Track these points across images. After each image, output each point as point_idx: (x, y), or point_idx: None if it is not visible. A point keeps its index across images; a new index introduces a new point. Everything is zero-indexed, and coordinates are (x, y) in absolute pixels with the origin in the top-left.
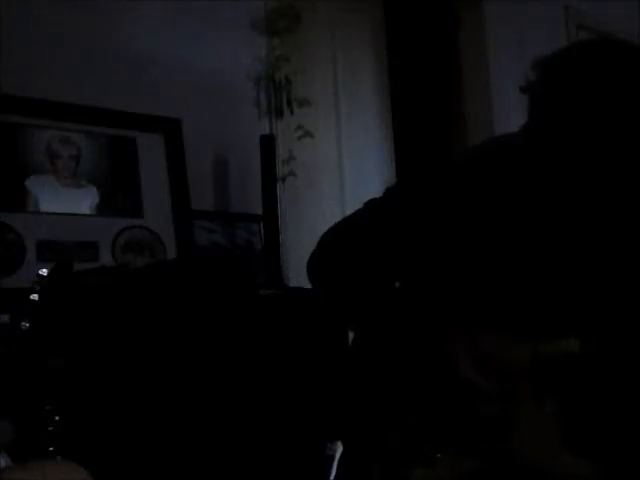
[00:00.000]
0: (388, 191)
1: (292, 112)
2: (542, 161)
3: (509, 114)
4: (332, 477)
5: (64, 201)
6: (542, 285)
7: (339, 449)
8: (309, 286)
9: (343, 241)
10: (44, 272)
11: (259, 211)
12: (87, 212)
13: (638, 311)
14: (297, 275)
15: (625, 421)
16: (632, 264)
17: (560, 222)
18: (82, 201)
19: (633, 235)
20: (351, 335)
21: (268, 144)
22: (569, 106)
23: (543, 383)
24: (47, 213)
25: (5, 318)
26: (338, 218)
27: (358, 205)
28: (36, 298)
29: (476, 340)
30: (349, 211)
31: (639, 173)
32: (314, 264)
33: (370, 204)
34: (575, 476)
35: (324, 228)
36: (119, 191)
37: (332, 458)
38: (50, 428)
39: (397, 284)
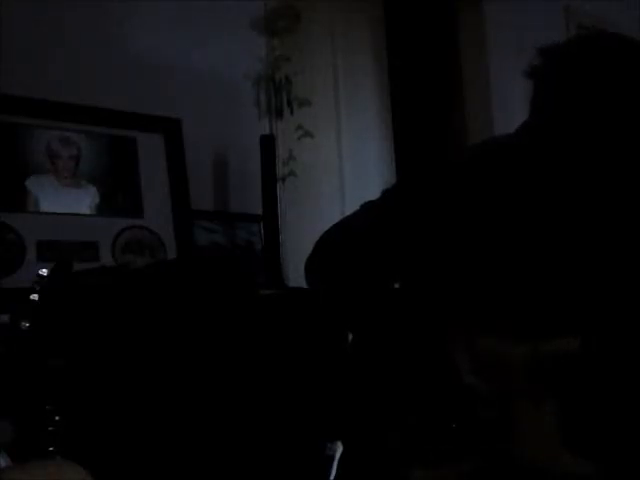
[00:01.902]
0: (385, 192)
1: (292, 112)
2: (542, 160)
3: (509, 114)
4: (332, 477)
5: (64, 201)
6: (541, 285)
7: (339, 449)
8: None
9: (341, 243)
10: (44, 272)
11: (259, 211)
12: (87, 212)
13: (638, 310)
14: (297, 275)
15: (625, 420)
16: (632, 263)
17: (560, 222)
18: (82, 201)
19: (632, 234)
20: (350, 335)
21: (268, 144)
22: (576, 94)
23: (543, 383)
24: (47, 213)
25: (5, 318)
26: (338, 218)
27: (358, 205)
28: (36, 298)
29: (475, 340)
30: (349, 211)
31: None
32: (311, 266)
33: (367, 206)
34: (575, 476)
35: (324, 228)
36: (119, 191)
37: (332, 458)
38: (50, 428)
39: (397, 285)
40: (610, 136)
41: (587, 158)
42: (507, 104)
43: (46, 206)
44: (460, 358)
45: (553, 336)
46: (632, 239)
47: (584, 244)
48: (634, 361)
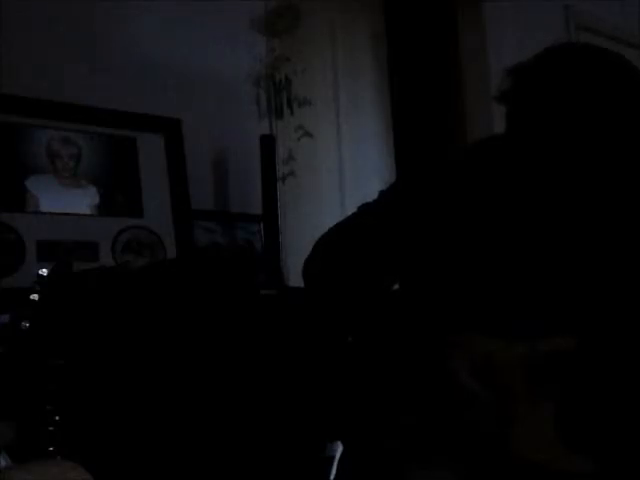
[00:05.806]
0: (381, 194)
1: (292, 112)
2: (530, 164)
3: None
4: (332, 477)
5: (64, 201)
6: (538, 284)
7: (339, 449)
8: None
9: (338, 245)
10: (44, 272)
11: (259, 211)
12: (87, 212)
13: (634, 308)
14: (297, 275)
15: (623, 418)
16: (627, 261)
17: (555, 221)
18: (82, 201)
19: (627, 232)
20: (350, 337)
21: (268, 144)
22: (548, 111)
23: (541, 382)
24: (47, 213)
25: (5, 318)
26: (338, 218)
27: (358, 205)
28: (36, 298)
29: (473, 341)
30: (349, 211)
31: (628, 172)
32: (309, 269)
33: (363, 208)
34: (575, 474)
35: (324, 228)
36: (119, 191)
37: (332, 458)
38: (50, 428)
39: (396, 286)
40: (603, 137)
41: (584, 159)
42: None
43: (46, 206)
44: (457, 363)
45: (551, 335)
46: (628, 239)
47: (581, 243)
48: (632, 359)
